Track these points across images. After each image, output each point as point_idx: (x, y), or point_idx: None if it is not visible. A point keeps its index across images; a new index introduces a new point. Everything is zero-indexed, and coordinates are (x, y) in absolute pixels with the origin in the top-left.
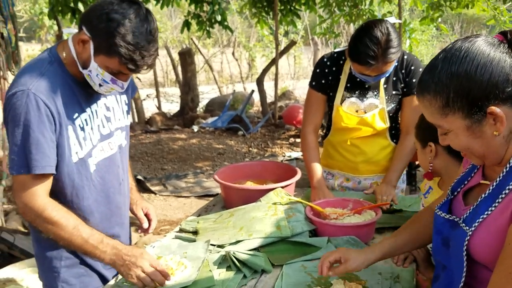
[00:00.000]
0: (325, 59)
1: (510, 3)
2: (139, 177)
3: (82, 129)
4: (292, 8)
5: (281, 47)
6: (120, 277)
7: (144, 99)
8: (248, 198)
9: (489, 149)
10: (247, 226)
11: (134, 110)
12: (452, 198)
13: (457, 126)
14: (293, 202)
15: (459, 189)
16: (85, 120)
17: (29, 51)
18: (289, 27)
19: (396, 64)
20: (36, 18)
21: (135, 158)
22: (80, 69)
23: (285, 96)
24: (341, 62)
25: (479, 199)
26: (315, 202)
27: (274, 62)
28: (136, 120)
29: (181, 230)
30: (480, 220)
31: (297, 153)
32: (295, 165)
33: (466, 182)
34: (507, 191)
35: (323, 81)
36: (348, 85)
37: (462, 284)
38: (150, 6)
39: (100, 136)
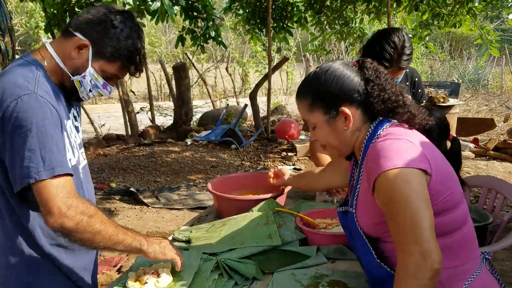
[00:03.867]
0: None
1: (497, 22)
2: (132, 189)
3: (69, 135)
4: (285, 25)
5: (274, 63)
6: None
7: (138, 112)
8: (240, 208)
9: (341, 141)
10: (239, 235)
11: (128, 123)
12: (347, 196)
13: (319, 120)
14: (284, 212)
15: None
16: (70, 127)
17: None
18: (282, 43)
19: (401, 76)
20: (32, 32)
21: (128, 170)
22: (70, 75)
23: (277, 110)
24: None
25: (352, 185)
26: (305, 213)
27: (267, 77)
28: (130, 133)
29: (174, 240)
30: (355, 198)
31: (289, 167)
32: None
33: (351, 179)
34: (361, 171)
35: None
36: None
37: (377, 262)
38: (145, 21)
39: (78, 144)
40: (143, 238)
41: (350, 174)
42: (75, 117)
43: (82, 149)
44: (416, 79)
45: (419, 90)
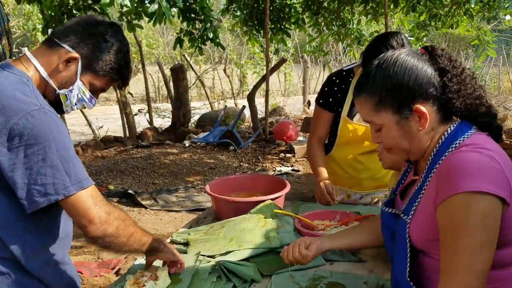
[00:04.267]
0: (333, 77)
1: (494, 23)
2: (130, 191)
3: None
4: (283, 26)
5: (272, 65)
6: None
7: (135, 114)
8: (238, 210)
9: (414, 144)
10: (237, 237)
11: (126, 125)
12: (394, 197)
13: (388, 121)
14: (282, 214)
15: (398, 189)
16: None
17: None
18: (280, 45)
19: None
20: (29, 34)
21: (126, 172)
22: (55, 88)
23: (275, 112)
24: (350, 79)
25: (413, 191)
26: (304, 215)
27: (265, 79)
28: (128, 134)
29: (172, 242)
30: (414, 208)
31: (287, 168)
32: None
33: (402, 182)
34: (429, 179)
35: (330, 99)
36: None
37: (408, 270)
38: (143, 23)
39: None
40: (158, 239)
41: (403, 175)
42: None
43: None
44: None
45: None
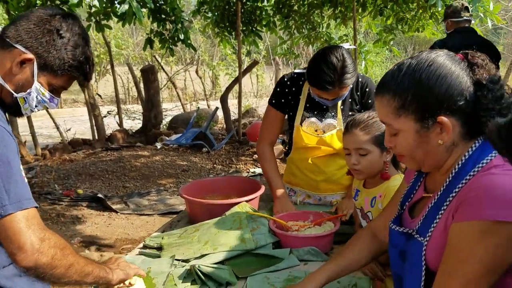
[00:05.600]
0: (285, 79)
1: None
2: (100, 195)
3: None
4: (254, 29)
5: (244, 66)
6: None
7: (105, 116)
8: (212, 213)
9: (430, 156)
10: (212, 240)
11: (94, 127)
12: (402, 212)
13: (407, 128)
14: (257, 216)
15: (406, 203)
16: None
17: None
18: (252, 47)
19: (352, 86)
20: None
21: (95, 176)
22: (12, 92)
23: (248, 113)
24: (301, 83)
25: (427, 209)
26: (278, 216)
27: (237, 80)
28: (97, 137)
29: (145, 247)
30: (432, 229)
31: (260, 169)
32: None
33: (412, 196)
34: (450, 199)
35: (282, 100)
36: (308, 105)
37: None
38: (112, 23)
39: None
40: (105, 266)
41: (411, 189)
42: None
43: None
44: (368, 89)
45: (369, 101)
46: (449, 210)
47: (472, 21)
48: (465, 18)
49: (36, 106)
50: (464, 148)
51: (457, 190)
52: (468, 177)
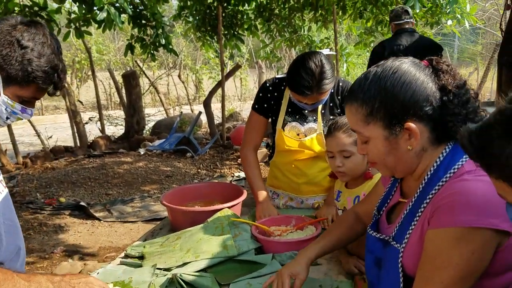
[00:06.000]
0: (267, 84)
1: (437, 28)
2: (82, 203)
3: None
4: (236, 33)
5: (227, 70)
6: None
7: (86, 123)
8: (195, 220)
9: (401, 162)
10: (194, 248)
11: (76, 134)
12: (379, 217)
13: (377, 135)
14: (239, 222)
15: (383, 208)
16: None
17: None
18: (234, 50)
19: (332, 90)
20: None
21: (77, 184)
22: None
23: (232, 117)
24: (282, 88)
25: (402, 216)
26: (260, 221)
27: (220, 84)
28: (78, 144)
29: (126, 256)
30: (407, 236)
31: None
32: (243, 185)
33: (388, 201)
34: (425, 205)
35: (265, 105)
36: (289, 109)
37: None
38: (92, 29)
39: None
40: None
41: (387, 194)
42: None
43: (0, 176)
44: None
45: None
46: (424, 217)
47: (413, 21)
48: (405, 20)
49: (8, 118)
50: (434, 153)
51: (430, 196)
52: (441, 183)
